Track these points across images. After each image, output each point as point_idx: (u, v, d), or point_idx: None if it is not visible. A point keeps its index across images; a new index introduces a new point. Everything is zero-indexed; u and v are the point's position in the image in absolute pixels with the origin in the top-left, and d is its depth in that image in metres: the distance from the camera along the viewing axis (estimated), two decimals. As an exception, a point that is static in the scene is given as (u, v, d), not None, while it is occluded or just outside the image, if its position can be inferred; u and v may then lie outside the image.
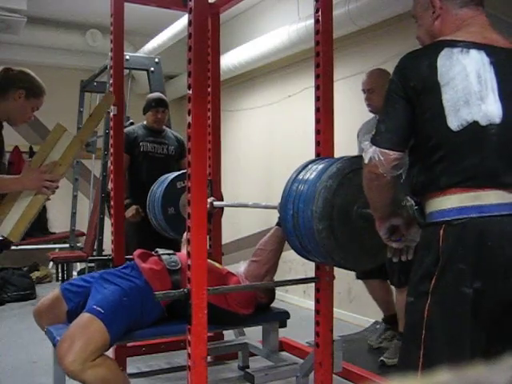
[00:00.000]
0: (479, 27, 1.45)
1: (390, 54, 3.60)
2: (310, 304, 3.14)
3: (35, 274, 5.76)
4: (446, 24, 1.47)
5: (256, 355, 2.89)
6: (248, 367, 2.88)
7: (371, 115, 3.17)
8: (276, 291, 2.69)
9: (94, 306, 2.04)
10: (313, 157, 2.12)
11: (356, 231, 1.85)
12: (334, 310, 2.25)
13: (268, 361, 2.68)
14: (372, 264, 2.05)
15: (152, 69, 4.57)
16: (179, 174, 3.01)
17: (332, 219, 1.80)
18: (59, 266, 5.60)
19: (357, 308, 4.04)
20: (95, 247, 4.45)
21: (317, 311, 2.20)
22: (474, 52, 1.38)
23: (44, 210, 6.03)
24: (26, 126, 5.18)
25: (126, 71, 4.60)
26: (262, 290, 2.44)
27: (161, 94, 3.90)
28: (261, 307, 2.46)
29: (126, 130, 3.65)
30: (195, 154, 1.82)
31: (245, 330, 3.00)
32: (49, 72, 5.05)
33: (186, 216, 1.86)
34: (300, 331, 2.94)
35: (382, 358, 3.02)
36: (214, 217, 3.00)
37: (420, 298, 1.37)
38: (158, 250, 2.46)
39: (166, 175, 3.10)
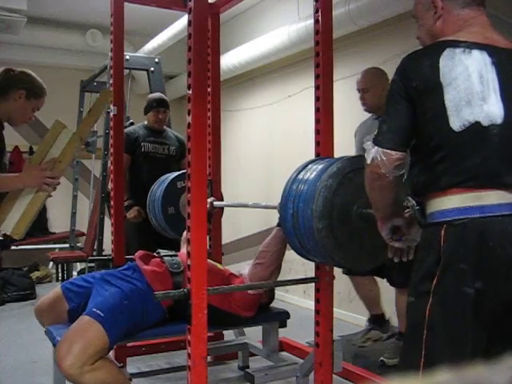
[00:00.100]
0: (481, 28, 1.45)
1: (390, 53, 3.61)
2: (310, 304, 3.14)
3: (35, 274, 5.75)
4: (448, 24, 1.47)
5: (256, 355, 2.88)
6: (248, 367, 2.88)
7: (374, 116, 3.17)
8: (276, 291, 2.69)
9: (94, 309, 2.03)
10: (313, 157, 2.12)
11: (356, 231, 1.85)
12: (334, 309, 2.25)
13: (268, 361, 2.68)
14: (372, 264, 2.05)
15: (152, 69, 4.57)
16: (179, 174, 3.02)
17: (332, 218, 1.80)
18: (59, 266, 5.61)
19: (357, 308, 4.03)
20: (95, 247, 4.46)
21: (317, 311, 2.20)
22: (476, 52, 1.38)
23: (44, 209, 6.03)
24: (26, 126, 5.19)
25: (126, 71, 4.60)
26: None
27: (162, 95, 3.91)
28: (261, 307, 2.46)
29: (126, 130, 3.65)
30: (195, 154, 1.82)
31: (245, 330, 3.00)
32: (49, 72, 5.04)
33: (186, 216, 1.86)
34: (300, 331, 2.94)
35: (382, 358, 3.02)
36: (214, 217, 3.00)
37: (421, 298, 1.38)
38: (159, 251, 2.45)
39: (167, 175, 3.10)
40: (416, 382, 0.39)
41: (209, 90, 2.94)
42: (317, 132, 2.17)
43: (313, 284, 2.23)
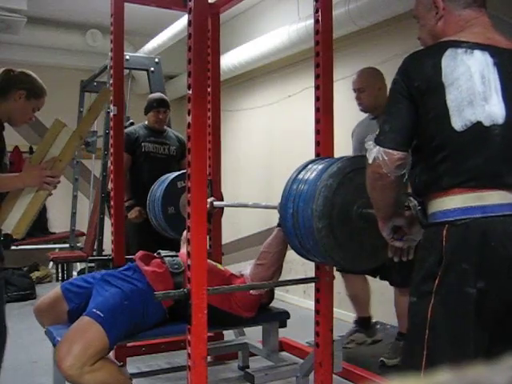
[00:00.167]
0: (482, 28, 1.45)
1: (390, 53, 3.61)
2: (310, 304, 3.14)
3: (35, 274, 5.76)
4: (449, 25, 1.47)
5: (256, 355, 2.88)
6: (248, 367, 2.88)
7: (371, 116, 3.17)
8: (276, 291, 2.69)
9: (94, 310, 2.03)
10: (313, 157, 2.12)
11: (356, 231, 1.85)
12: (334, 309, 2.25)
13: (268, 361, 2.68)
14: (372, 264, 2.05)
15: (152, 69, 4.57)
16: (179, 174, 3.02)
17: (332, 218, 1.80)
18: (59, 266, 5.61)
19: (357, 308, 4.03)
20: (95, 247, 4.46)
21: (317, 311, 2.20)
22: (478, 53, 1.38)
23: (44, 209, 6.03)
24: (26, 126, 5.18)
25: (126, 71, 4.60)
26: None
27: (162, 95, 3.91)
28: (261, 307, 2.46)
29: (127, 130, 3.65)
30: (195, 154, 1.82)
31: (245, 330, 3.00)
32: (49, 72, 5.04)
33: (186, 216, 1.86)
34: (300, 331, 2.94)
35: (382, 359, 3.02)
36: (214, 217, 3.00)
37: (423, 298, 1.38)
38: (160, 251, 2.45)
39: (167, 175, 3.10)
40: (417, 382, 0.39)
41: (209, 90, 2.94)
42: (317, 132, 2.17)
43: (313, 284, 2.23)
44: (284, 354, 2.90)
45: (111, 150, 2.92)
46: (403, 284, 2.94)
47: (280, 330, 2.65)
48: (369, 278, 3.25)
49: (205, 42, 1.92)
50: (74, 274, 5.54)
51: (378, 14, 3.64)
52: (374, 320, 3.45)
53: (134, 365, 2.82)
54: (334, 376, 2.25)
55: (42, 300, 2.35)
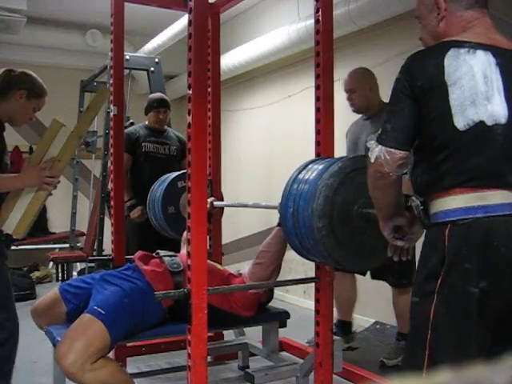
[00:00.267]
0: (484, 29, 1.45)
1: (390, 53, 3.61)
2: (310, 304, 3.14)
3: (35, 274, 5.75)
4: (451, 25, 1.47)
5: (256, 355, 2.88)
6: (248, 367, 2.88)
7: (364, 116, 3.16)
8: (276, 291, 2.69)
9: (95, 307, 2.02)
10: (313, 157, 2.12)
11: (356, 230, 1.85)
12: (334, 310, 2.25)
13: (268, 361, 2.68)
14: (372, 264, 2.05)
15: (152, 69, 4.57)
16: (180, 174, 3.02)
17: (332, 217, 1.80)
18: (59, 266, 5.60)
19: (357, 308, 4.03)
20: (95, 247, 4.45)
21: (317, 311, 2.19)
22: (480, 53, 1.39)
23: (44, 210, 6.03)
24: (26, 126, 5.17)
25: (126, 71, 4.60)
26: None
27: (162, 95, 3.91)
28: (260, 307, 2.46)
29: (127, 130, 3.66)
30: (195, 154, 1.82)
31: (245, 330, 3.00)
32: (49, 72, 5.04)
33: (186, 216, 1.86)
34: (300, 331, 2.94)
35: (382, 359, 3.02)
36: (214, 217, 3.00)
37: (426, 297, 1.37)
38: (159, 251, 2.45)
39: (167, 175, 3.10)
40: (417, 381, 0.39)
41: (209, 90, 2.94)
42: (317, 132, 2.17)
43: (313, 284, 2.23)
44: (284, 353, 2.90)
45: (111, 150, 2.92)
46: (402, 284, 2.94)
47: (280, 329, 2.65)
48: (367, 278, 3.24)
49: (205, 42, 1.92)
50: (74, 274, 5.54)
51: (378, 13, 3.64)
52: (373, 321, 3.43)
53: (133, 365, 2.81)
54: (334, 376, 2.25)
55: (39, 302, 2.33)
